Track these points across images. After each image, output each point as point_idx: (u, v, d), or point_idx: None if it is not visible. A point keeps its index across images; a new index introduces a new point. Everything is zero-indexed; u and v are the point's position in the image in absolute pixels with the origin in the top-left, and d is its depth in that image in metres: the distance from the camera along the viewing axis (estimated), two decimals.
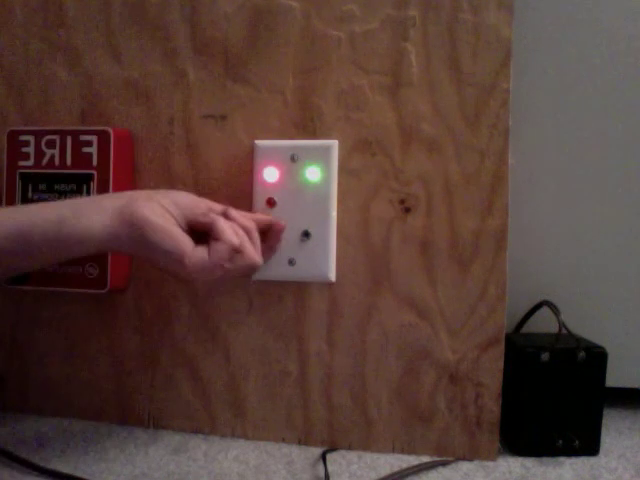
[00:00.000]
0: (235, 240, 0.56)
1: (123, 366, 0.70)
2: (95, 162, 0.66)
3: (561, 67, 0.71)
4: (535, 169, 0.72)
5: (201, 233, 0.57)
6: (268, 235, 0.63)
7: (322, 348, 0.66)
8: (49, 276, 0.67)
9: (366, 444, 0.65)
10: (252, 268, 0.59)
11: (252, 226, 0.60)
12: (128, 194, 0.58)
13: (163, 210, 0.56)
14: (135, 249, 0.56)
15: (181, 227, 0.56)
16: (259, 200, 0.65)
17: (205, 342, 0.68)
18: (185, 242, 0.55)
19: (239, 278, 0.66)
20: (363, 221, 0.64)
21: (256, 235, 0.60)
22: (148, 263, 0.60)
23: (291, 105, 0.65)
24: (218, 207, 0.60)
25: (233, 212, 0.59)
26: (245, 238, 0.58)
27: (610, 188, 0.72)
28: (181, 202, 0.57)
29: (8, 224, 0.54)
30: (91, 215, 0.54)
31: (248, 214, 0.62)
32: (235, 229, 0.58)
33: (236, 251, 0.57)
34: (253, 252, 0.58)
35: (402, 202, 0.64)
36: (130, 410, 0.70)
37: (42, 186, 0.68)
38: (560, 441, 0.63)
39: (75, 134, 0.67)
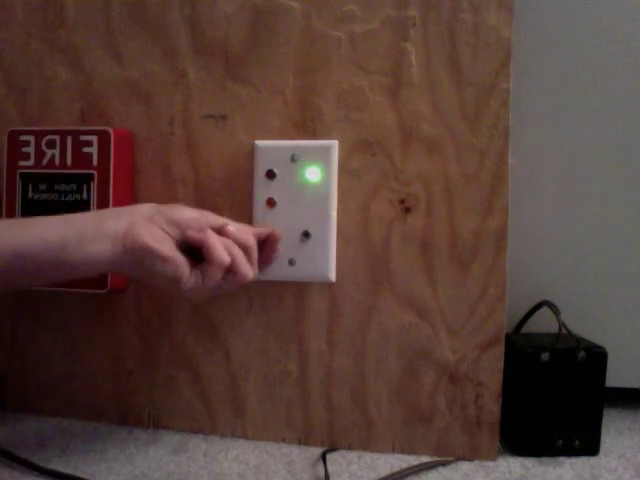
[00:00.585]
0: (226, 259, 0.56)
1: (123, 366, 0.70)
2: (95, 162, 0.66)
3: (561, 67, 0.71)
4: (535, 169, 0.72)
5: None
6: (265, 245, 0.63)
7: (322, 348, 0.66)
8: None
9: (366, 444, 0.65)
10: (245, 283, 0.59)
11: (251, 243, 0.59)
12: (129, 214, 0.56)
13: (163, 233, 0.55)
14: (135, 272, 0.57)
15: (179, 246, 0.56)
16: (259, 200, 0.65)
17: (205, 342, 0.68)
18: (184, 267, 0.55)
19: None
20: (363, 221, 0.64)
21: (254, 252, 0.59)
22: (143, 281, 0.60)
23: (291, 105, 0.65)
24: (219, 221, 0.59)
25: (231, 228, 0.58)
26: (239, 254, 0.57)
27: (610, 188, 0.72)
28: (181, 219, 0.57)
29: (4, 245, 0.52)
30: (93, 243, 0.53)
31: (249, 228, 0.62)
32: (229, 246, 0.57)
33: (228, 270, 0.56)
34: (246, 270, 0.58)
35: (402, 202, 0.64)
36: (130, 410, 0.70)
37: (42, 186, 0.68)
38: (560, 441, 0.63)
39: (75, 134, 0.67)
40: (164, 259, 0.54)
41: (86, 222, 0.55)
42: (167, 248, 0.55)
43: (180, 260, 0.55)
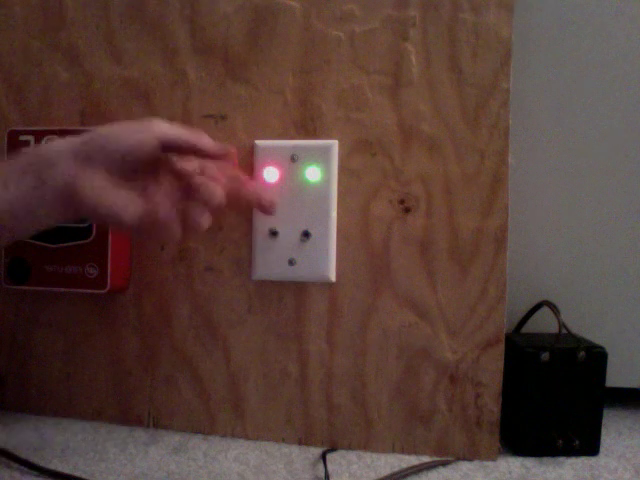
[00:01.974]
0: (185, 166, 0.54)
1: (123, 366, 0.70)
2: None
3: (561, 67, 0.71)
4: (535, 169, 0.72)
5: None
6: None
7: (322, 348, 0.66)
8: (49, 276, 0.67)
9: (366, 444, 0.65)
10: (215, 198, 0.53)
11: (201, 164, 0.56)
12: (57, 160, 0.52)
13: (96, 176, 0.51)
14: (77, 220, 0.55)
15: (120, 179, 0.52)
16: None
17: (205, 342, 0.68)
18: (117, 202, 0.51)
19: (238, 278, 0.66)
20: (363, 221, 0.64)
21: (211, 166, 0.56)
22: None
23: (291, 105, 0.65)
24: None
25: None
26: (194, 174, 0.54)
27: (610, 188, 0.72)
28: (121, 147, 0.53)
29: None
30: (37, 208, 0.51)
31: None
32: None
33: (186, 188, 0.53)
34: (206, 180, 0.53)
35: (402, 202, 0.64)
36: (130, 410, 0.70)
37: None
38: (560, 441, 0.63)
39: (75, 134, 0.67)
40: (97, 206, 0.51)
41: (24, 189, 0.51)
42: (100, 194, 0.51)
43: (111, 197, 0.51)
